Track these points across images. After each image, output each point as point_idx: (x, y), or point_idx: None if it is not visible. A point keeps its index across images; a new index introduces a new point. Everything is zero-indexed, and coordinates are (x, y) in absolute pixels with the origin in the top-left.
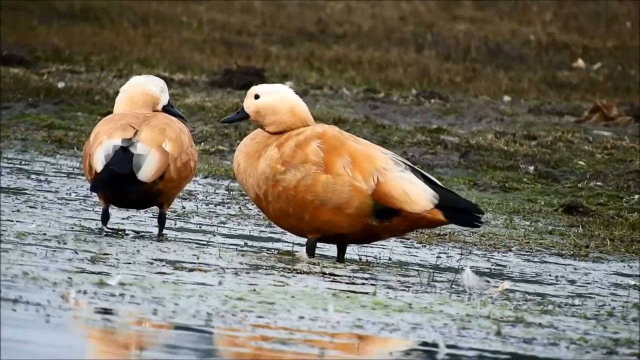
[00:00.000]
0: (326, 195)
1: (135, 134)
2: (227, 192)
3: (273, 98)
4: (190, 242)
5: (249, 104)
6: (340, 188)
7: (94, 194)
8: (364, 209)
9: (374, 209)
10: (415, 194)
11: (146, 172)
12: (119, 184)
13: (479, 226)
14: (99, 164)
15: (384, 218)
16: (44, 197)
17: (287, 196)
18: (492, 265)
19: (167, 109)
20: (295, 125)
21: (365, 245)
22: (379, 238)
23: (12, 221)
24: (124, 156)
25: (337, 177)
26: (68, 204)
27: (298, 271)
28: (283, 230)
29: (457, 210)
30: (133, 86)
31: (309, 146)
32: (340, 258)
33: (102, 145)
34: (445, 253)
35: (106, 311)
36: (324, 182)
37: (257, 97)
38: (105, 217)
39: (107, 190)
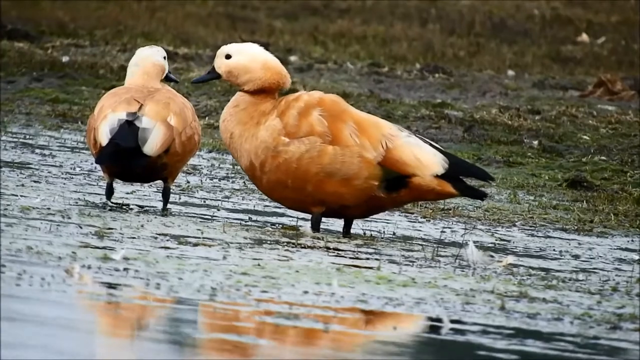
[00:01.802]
0: (334, 166)
1: (140, 108)
2: (231, 167)
3: (243, 57)
4: (194, 217)
5: (220, 64)
6: (349, 159)
7: (98, 168)
8: (373, 180)
9: (383, 179)
10: (426, 158)
11: (152, 145)
12: (125, 157)
13: (483, 199)
14: (104, 138)
15: (392, 189)
16: (48, 172)
17: (287, 168)
18: (496, 240)
19: (167, 76)
20: (272, 79)
21: (369, 219)
22: (383, 210)
23: (17, 195)
24: (129, 130)
25: (345, 148)
26: (72, 178)
27: (302, 246)
28: None
29: (466, 180)
30: (144, 59)
31: (311, 115)
32: (346, 232)
33: (107, 119)
34: (449, 228)
35: (110, 286)
36: (331, 154)
37: (228, 56)
38: (110, 191)
39: (112, 164)
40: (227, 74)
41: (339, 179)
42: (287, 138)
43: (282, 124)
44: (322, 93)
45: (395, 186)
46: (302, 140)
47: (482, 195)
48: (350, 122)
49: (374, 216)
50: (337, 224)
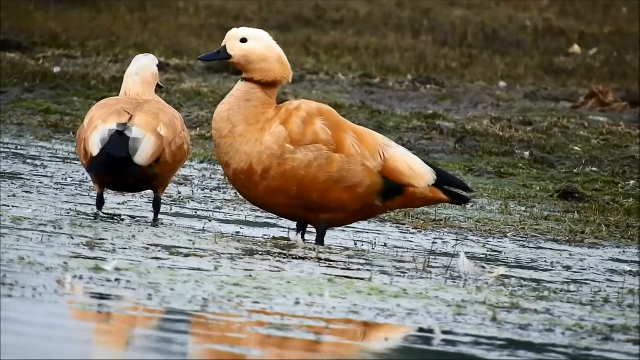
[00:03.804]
0: (341, 174)
1: (130, 119)
2: (222, 178)
3: (261, 45)
4: (186, 228)
5: (234, 47)
6: (354, 167)
7: (90, 178)
8: (374, 188)
9: (383, 188)
10: (419, 168)
11: (142, 155)
12: (116, 167)
13: (466, 205)
14: (95, 148)
15: (387, 197)
16: (40, 182)
17: (294, 175)
18: (487, 251)
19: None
20: (284, 75)
21: (360, 230)
22: (373, 217)
23: (8, 206)
24: (120, 140)
25: (350, 156)
26: (64, 189)
27: (294, 257)
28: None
29: (452, 189)
30: (144, 68)
31: (315, 124)
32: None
33: (97, 130)
34: (440, 239)
35: (102, 296)
36: (339, 162)
37: (244, 40)
38: (101, 202)
39: (103, 174)
40: (241, 58)
41: (344, 187)
42: (292, 146)
43: (286, 132)
44: (316, 102)
45: (391, 194)
46: (308, 148)
47: (466, 201)
48: (350, 131)
49: (366, 228)
50: (330, 236)
